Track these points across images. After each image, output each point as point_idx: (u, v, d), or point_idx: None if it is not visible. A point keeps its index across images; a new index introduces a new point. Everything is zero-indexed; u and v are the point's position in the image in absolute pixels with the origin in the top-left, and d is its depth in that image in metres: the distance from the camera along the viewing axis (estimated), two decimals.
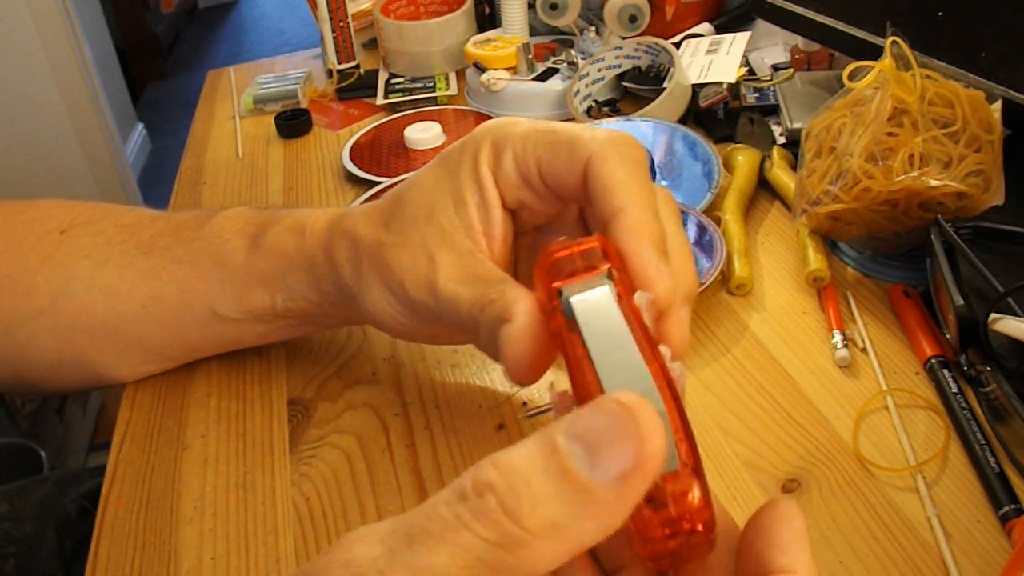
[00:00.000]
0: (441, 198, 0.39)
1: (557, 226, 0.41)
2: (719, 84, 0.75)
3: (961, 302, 0.44)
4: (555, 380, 0.34)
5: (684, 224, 0.59)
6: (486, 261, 0.38)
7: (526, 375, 0.33)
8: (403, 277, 0.39)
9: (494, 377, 0.51)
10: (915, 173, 0.48)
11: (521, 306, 0.33)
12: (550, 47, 0.93)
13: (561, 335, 0.29)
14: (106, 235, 0.50)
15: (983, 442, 0.41)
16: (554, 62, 0.88)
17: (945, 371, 0.46)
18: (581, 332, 0.27)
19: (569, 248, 0.30)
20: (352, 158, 0.80)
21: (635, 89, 0.83)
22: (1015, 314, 0.43)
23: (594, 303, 0.28)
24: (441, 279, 0.38)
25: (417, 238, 0.39)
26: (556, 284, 0.29)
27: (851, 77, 0.52)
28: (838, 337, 0.49)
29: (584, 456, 0.20)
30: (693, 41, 0.83)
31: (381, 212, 0.42)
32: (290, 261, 0.46)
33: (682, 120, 0.75)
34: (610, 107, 0.82)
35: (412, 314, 0.41)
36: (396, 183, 0.53)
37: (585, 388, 0.26)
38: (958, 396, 0.44)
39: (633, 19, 0.87)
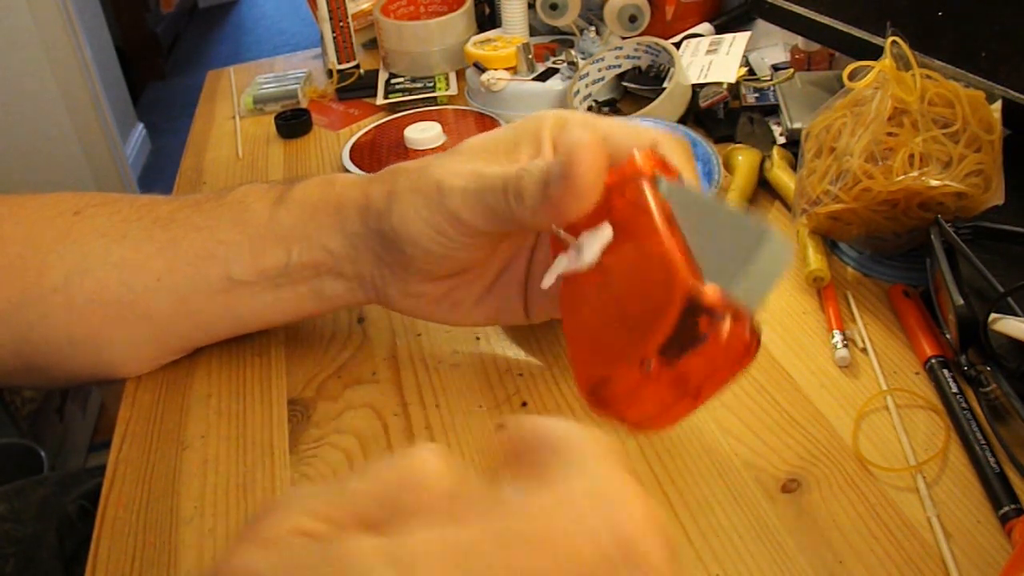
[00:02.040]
0: (495, 145, 0.43)
1: None
2: (719, 84, 0.75)
3: (961, 302, 0.44)
4: None
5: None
6: None
7: (593, 186, 0.36)
8: (440, 176, 0.42)
9: (494, 377, 0.51)
10: (915, 173, 0.48)
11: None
12: (550, 47, 0.93)
13: (634, 214, 0.33)
14: (122, 214, 0.50)
15: (983, 442, 0.41)
16: (554, 62, 0.88)
17: (945, 371, 0.46)
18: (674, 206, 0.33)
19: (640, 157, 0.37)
20: (352, 158, 0.80)
21: (635, 89, 0.83)
22: (1015, 314, 0.43)
23: (679, 188, 0.35)
24: (485, 168, 0.41)
25: (460, 159, 0.43)
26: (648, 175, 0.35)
27: (851, 77, 0.52)
28: (838, 337, 0.49)
29: None
30: (693, 41, 0.83)
31: (436, 156, 0.45)
32: (314, 208, 0.47)
33: (682, 120, 0.75)
34: (610, 107, 0.82)
35: (441, 214, 0.42)
36: None
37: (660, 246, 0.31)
38: (958, 396, 0.44)
39: (633, 19, 0.87)
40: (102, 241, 0.49)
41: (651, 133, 0.42)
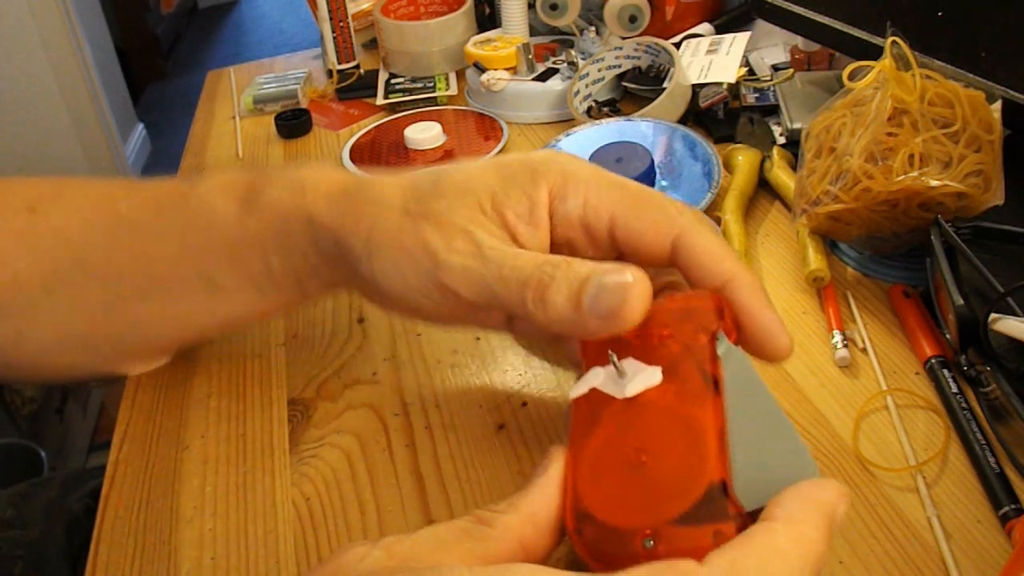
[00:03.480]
0: (482, 190, 0.38)
1: None
2: (719, 84, 0.75)
3: (961, 302, 0.44)
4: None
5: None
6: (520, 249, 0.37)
7: (641, 315, 0.33)
8: (434, 242, 0.37)
9: (494, 377, 0.51)
10: (915, 173, 0.48)
11: (634, 267, 0.34)
12: (550, 47, 0.93)
13: (685, 361, 0.32)
14: (81, 214, 0.47)
15: (983, 442, 0.41)
16: (554, 62, 0.88)
17: (945, 371, 0.46)
18: (724, 379, 0.31)
19: (709, 301, 0.34)
20: (352, 158, 0.80)
21: (635, 89, 0.84)
22: (1015, 314, 0.43)
23: (739, 357, 0.33)
24: (487, 242, 0.36)
25: (447, 211, 0.38)
26: (714, 329, 0.32)
27: (851, 77, 0.52)
28: (838, 337, 0.49)
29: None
30: (693, 41, 0.83)
31: (413, 186, 0.40)
32: (286, 220, 0.43)
33: (682, 120, 0.75)
34: (610, 107, 0.82)
35: (433, 286, 0.38)
36: None
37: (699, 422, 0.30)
38: (958, 396, 0.44)
39: (633, 19, 0.87)
40: (68, 249, 0.46)
41: (729, 263, 0.36)
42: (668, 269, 0.38)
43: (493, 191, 0.38)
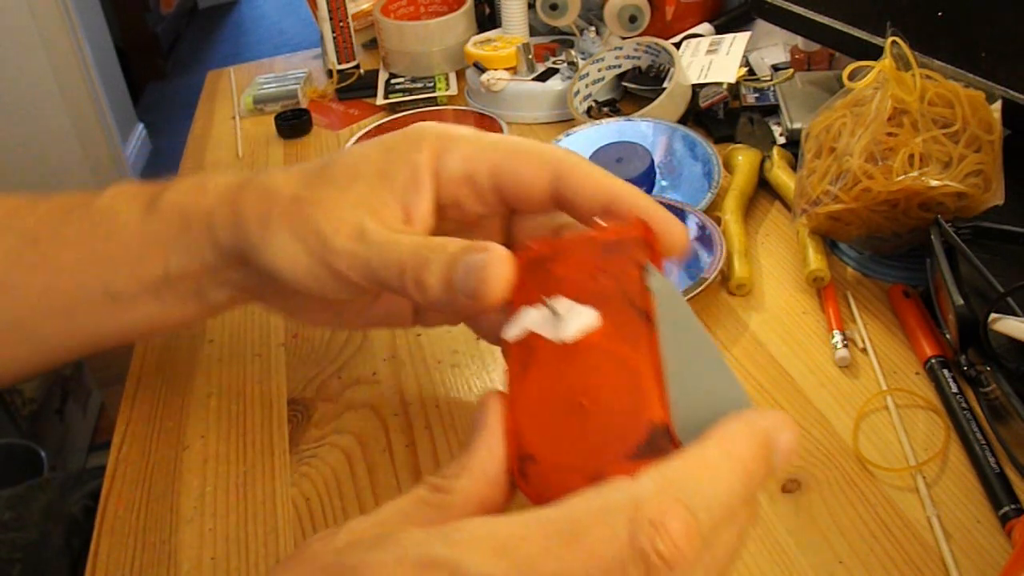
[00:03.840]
0: (367, 168, 0.39)
1: (479, 230, 0.42)
2: (719, 84, 0.75)
3: (961, 302, 0.44)
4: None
5: (684, 223, 0.59)
6: (409, 228, 0.38)
7: (502, 293, 0.34)
8: (322, 227, 0.38)
9: (494, 377, 0.51)
10: (915, 173, 0.48)
11: (497, 246, 0.34)
12: (550, 47, 0.93)
13: (617, 298, 0.31)
14: None
15: (983, 442, 0.41)
16: (554, 62, 0.88)
17: (945, 371, 0.46)
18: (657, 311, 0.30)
19: (636, 231, 0.33)
20: None
21: (635, 89, 0.84)
22: (1015, 314, 0.43)
23: (668, 288, 0.31)
24: (371, 227, 0.37)
25: (336, 195, 0.39)
26: (643, 261, 0.32)
27: (851, 77, 0.52)
28: (838, 337, 0.49)
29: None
30: (693, 41, 0.83)
31: (303, 174, 0.41)
32: (186, 219, 0.43)
33: (682, 120, 0.75)
34: (610, 107, 0.82)
35: (324, 268, 0.38)
36: None
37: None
38: (958, 396, 0.44)
39: (633, 19, 0.87)
40: None
41: (607, 181, 0.37)
42: (557, 214, 0.39)
43: (378, 166, 0.39)
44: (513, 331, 0.33)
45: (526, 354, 0.32)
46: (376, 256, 0.37)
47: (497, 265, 0.34)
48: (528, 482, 0.30)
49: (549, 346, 0.32)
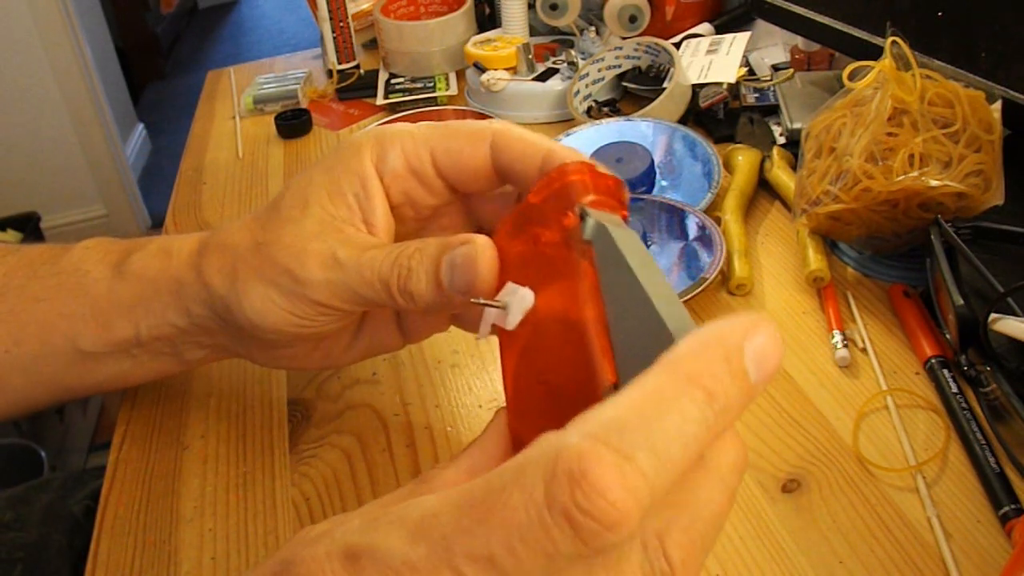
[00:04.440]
0: (315, 192, 0.39)
1: (439, 222, 0.42)
2: (719, 84, 0.75)
3: (961, 302, 0.44)
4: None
5: (684, 223, 0.59)
6: (375, 239, 0.38)
7: (492, 282, 0.34)
8: (290, 265, 0.38)
9: (494, 377, 0.51)
10: (915, 173, 0.48)
11: (477, 235, 0.35)
12: (550, 47, 0.93)
13: (563, 258, 0.29)
14: None
15: (983, 442, 0.41)
16: (554, 62, 0.88)
17: (945, 371, 0.46)
18: (623, 258, 0.27)
19: (569, 174, 0.31)
20: None
21: (635, 89, 0.84)
22: (1015, 314, 0.43)
23: (623, 233, 0.28)
24: (340, 251, 0.37)
25: (295, 230, 0.38)
26: (578, 204, 0.29)
27: (851, 77, 0.52)
28: (838, 337, 0.49)
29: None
30: (693, 41, 0.83)
31: (256, 219, 0.41)
32: (155, 286, 0.43)
33: (682, 120, 0.75)
34: (610, 107, 0.82)
35: (304, 303, 0.38)
36: None
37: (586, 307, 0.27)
38: (958, 396, 0.44)
39: (633, 19, 0.87)
40: None
41: (541, 141, 0.37)
42: (505, 190, 0.40)
43: (326, 187, 0.39)
44: (483, 332, 0.33)
45: (505, 341, 0.33)
46: (355, 278, 0.37)
47: (484, 253, 0.34)
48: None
49: (513, 334, 0.32)
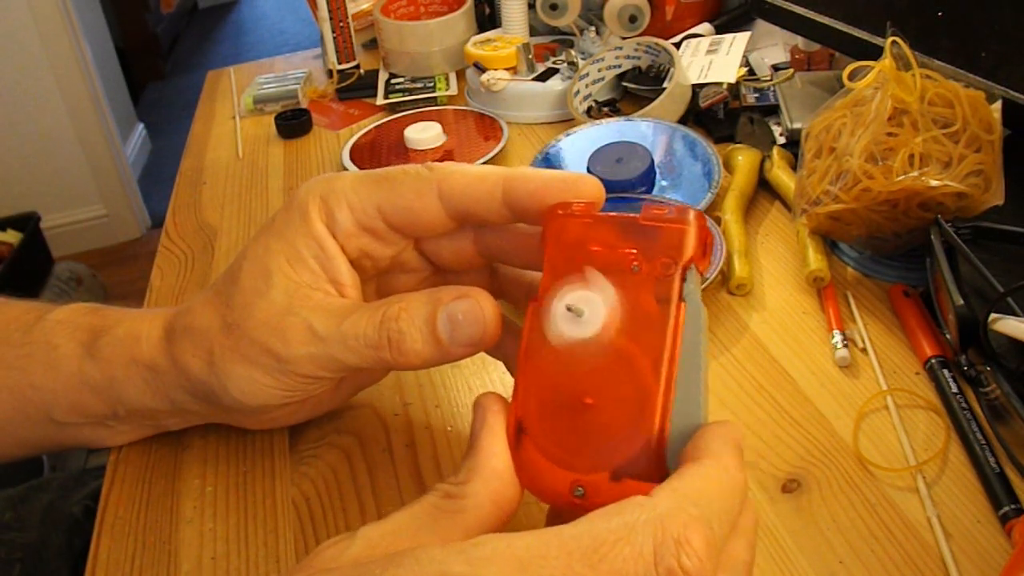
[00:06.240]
0: (275, 260, 0.38)
1: (398, 269, 0.42)
2: (719, 84, 0.75)
3: (961, 302, 0.44)
4: None
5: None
6: (346, 301, 0.38)
7: (498, 334, 0.35)
8: (270, 344, 0.37)
9: (494, 377, 0.51)
10: (915, 173, 0.48)
11: (471, 288, 0.36)
12: (550, 47, 0.93)
13: (652, 297, 0.30)
14: None
15: (983, 442, 0.41)
16: (554, 62, 0.88)
17: (945, 371, 0.46)
18: (685, 327, 0.30)
19: (689, 225, 0.31)
20: (352, 158, 0.80)
21: (635, 89, 0.84)
22: (1015, 314, 0.43)
23: (702, 307, 0.31)
24: (317, 323, 0.37)
25: (264, 305, 0.37)
26: (686, 261, 0.30)
27: (851, 77, 0.52)
28: (838, 337, 0.49)
29: None
30: (693, 41, 0.83)
31: (218, 295, 0.40)
32: (127, 372, 0.42)
33: (682, 120, 0.75)
34: (610, 107, 0.82)
35: (289, 378, 0.38)
36: None
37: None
38: (958, 396, 0.44)
39: (633, 19, 0.87)
40: None
41: (492, 174, 0.36)
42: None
43: (284, 254, 0.38)
44: (552, 331, 0.31)
45: (533, 332, 0.31)
46: (338, 348, 0.36)
47: (488, 307, 0.35)
48: (518, 458, 0.30)
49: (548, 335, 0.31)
